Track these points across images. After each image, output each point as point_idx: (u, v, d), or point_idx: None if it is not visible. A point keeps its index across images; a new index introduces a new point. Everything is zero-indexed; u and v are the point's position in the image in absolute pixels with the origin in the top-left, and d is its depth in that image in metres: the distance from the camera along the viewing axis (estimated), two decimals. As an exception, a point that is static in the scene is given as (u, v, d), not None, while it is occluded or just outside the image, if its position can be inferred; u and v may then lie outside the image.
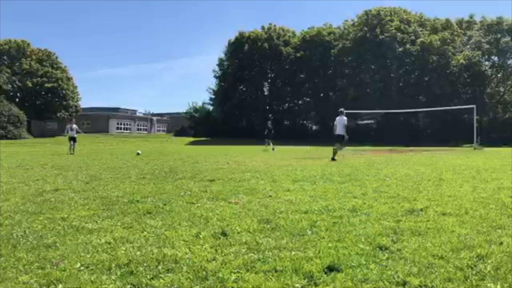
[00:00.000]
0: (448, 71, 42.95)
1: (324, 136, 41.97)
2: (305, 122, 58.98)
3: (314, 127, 57.48)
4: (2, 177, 7.88)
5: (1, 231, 3.57)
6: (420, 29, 46.80)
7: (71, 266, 2.66)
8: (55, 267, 2.64)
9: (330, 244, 3.10)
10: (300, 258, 2.78)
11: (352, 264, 2.68)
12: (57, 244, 3.16)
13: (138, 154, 17.16)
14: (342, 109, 14.08)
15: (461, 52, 44.08)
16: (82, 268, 2.64)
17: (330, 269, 2.59)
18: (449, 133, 37.32)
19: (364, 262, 2.71)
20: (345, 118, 13.70)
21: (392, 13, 48.04)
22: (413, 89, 44.02)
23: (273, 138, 23.53)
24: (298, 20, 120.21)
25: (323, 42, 51.04)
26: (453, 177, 7.62)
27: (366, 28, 46.91)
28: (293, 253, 2.91)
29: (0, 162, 12.32)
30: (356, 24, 49.64)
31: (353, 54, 46.38)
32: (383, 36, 44.64)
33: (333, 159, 13.03)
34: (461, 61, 42.53)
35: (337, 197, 5.30)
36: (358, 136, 30.48)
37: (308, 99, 55.72)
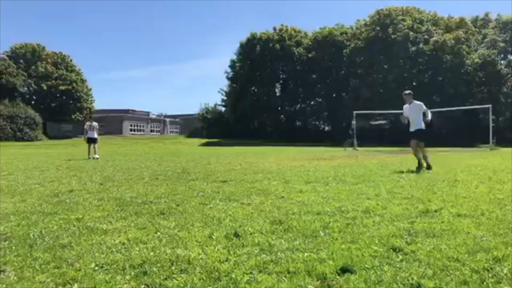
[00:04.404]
0: (462, 71, 42.42)
1: (336, 137, 41.83)
2: (317, 122, 58.74)
3: (326, 128, 57.21)
4: (19, 178, 8.01)
5: (18, 231, 3.62)
6: (434, 28, 46.33)
7: (86, 266, 2.69)
8: (70, 267, 2.67)
9: (343, 246, 3.09)
10: (313, 260, 2.77)
11: (366, 265, 2.66)
12: (73, 244, 3.20)
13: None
14: (409, 91, 9.83)
15: (476, 51, 43.53)
16: (96, 268, 2.67)
17: (344, 270, 2.58)
18: (464, 133, 36.78)
19: (378, 264, 2.69)
20: (419, 103, 9.54)
21: (405, 12, 47.65)
22: (426, 89, 43.47)
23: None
24: (309, 21, 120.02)
25: (335, 42, 50.83)
26: (468, 178, 7.51)
27: (378, 28, 46.62)
28: (306, 254, 2.90)
29: (17, 164, 12.53)
30: (368, 23, 49.33)
31: (365, 54, 46.10)
32: (395, 36, 44.32)
33: (418, 167, 9.15)
34: (476, 60, 41.99)
35: (350, 198, 5.27)
36: (371, 136, 30.31)
37: (320, 100, 55.53)
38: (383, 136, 38.69)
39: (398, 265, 2.66)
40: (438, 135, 8.70)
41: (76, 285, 2.40)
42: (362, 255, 2.86)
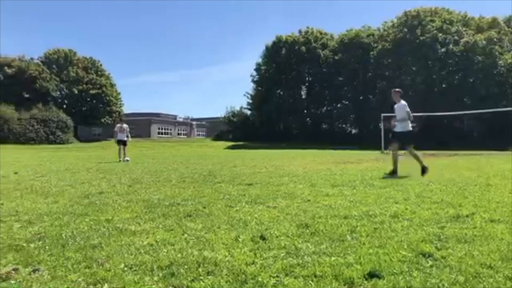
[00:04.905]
0: (495, 72, 41.16)
1: (364, 140, 41.28)
2: (343, 125, 58.17)
3: (353, 131, 56.57)
4: (51, 180, 8.27)
5: (51, 231, 3.74)
6: (464, 28, 45.18)
7: (116, 266, 2.75)
8: (101, 267, 2.74)
9: (371, 250, 3.04)
10: (340, 264, 2.74)
11: (394, 271, 2.61)
12: (102, 245, 3.28)
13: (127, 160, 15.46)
14: (397, 89, 9.50)
15: (510, 51, 42.09)
16: (126, 268, 2.72)
17: (371, 275, 2.54)
18: (496, 136, 35.60)
19: (407, 269, 2.63)
20: (404, 103, 9.09)
21: (433, 13, 46.68)
22: (457, 91, 42.45)
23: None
24: (335, 23, 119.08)
25: (361, 44, 50.31)
26: (502, 182, 7.26)
27: (406, 29, 45.87)
28: (332, 258, 2.87)
29: (49, 166, 12.94)
30: (395, 25, 48.56)
31: (393, 55, 45.42)
32: (424, 37, 43.47)
33: (393, 172, 8.76)
34: (510, 60, 40.62)
35: (377, 202, 5.18)
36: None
37: (346, 102, 55.03)
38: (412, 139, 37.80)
39: (428, 271, 2.60)
40: (409, 137, 8.18)
41: (106, 285, 2.45)
42: (391, 260, 2.81)
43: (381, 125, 28.25)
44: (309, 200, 5.37)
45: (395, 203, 5.10)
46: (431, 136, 38.01)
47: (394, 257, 2.88)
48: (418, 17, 46.06)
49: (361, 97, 52.70)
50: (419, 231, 3.61)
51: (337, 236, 3.48)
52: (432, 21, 45.23)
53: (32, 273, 2.65)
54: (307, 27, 55.66)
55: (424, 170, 8.59)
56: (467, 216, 4.25)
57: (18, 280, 2.52)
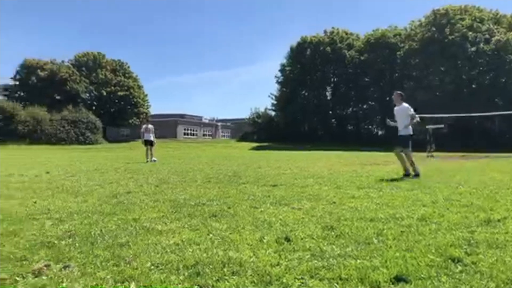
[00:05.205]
0: (528, 71, 39.71)
1: (390, 141, 40.60)
2: (370, 127, 57.36)
3: (380, 132, 55.72)
4: (81, 180, 8.50)
5: (81, 229, 3.84)
6: (496, 26, 43.80)
7: (142, 265, 2.80)
8: (128, 265, 2.79)
9: (397, 254, 2.99)
10: (366, 267, 2.71)
11: (422, 275, 2.56)
12: (130, 243, 3.34)
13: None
14: (398, 91, 9.49)
15: (544, 49, 40.57)
16: (152, 267, 2.77)
17: (398, 279, 2.49)
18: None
19: (435, 274, 2.57)
20: (406, 106, 9.00)
21: (463, 11, 45.44)
22: (488, 91, 41.18)
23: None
24: (361, 24, 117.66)
25: (388, 44, 49.52)
26: (536, 186, 7.00)
27: (434, 28, 44.83)
28: (358, 261, 2.84)
29: (79, 166, 13.29)
30: (423, 24, 47.54)
31: (420, 55, 44.46)
32: (453, 36, 42.37)
33: (406, 174, 8.82)
34: (544, 59, 39.14)
35: (405, 205, 5.09)
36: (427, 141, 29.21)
37: (373, 103, 54.22)
38: (441, 141, 37.01)
39: (457, 277, 2.54)
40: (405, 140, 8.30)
41: (133, 283, 2.50)
42: (418, 264, 2.75)
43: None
44: (334, 202, 5.32)
45: (422, 206, 4.99)
46: (461, 138, 37.10)
47: (421, 261, 2.82)
48: (447, 16, 44.95)
49: (387, 98, 51.73)
50: (448, 235, 3.52)
51: (363, 239, 3.44)
52: (461, 19, 44.06)
53: (63, 269, 2.73)
54: (332, 28, 55.23)
55: (406, 174, 8.79)
56: (498, 220, 4.12)
57: (49, 276, 2.61)
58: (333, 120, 56.56)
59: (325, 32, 55.22)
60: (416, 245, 3.23)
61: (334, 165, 13.11)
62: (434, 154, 21.20)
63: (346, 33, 54.78)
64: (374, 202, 5.35)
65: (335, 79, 56.20)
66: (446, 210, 4.73)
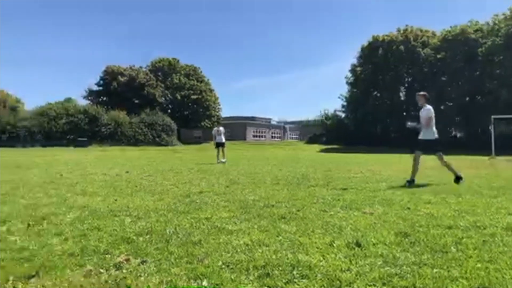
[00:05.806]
0: None
1: (470, 144, 37.94)
2: (448, 128, 54.00)
3: (458, 134, 52.31)
4: (157, 179, 8.96)
5: (157, 227, 4.05)
6: None
7: (214, 263, 2.88)
8: (200, 263, 2.89)
9: (479, 265, 2.78)
10: (443, 277, 2.56)
11: (508, 289, 2.36)
12: (202, 242, 3.46)
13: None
14: (422, 92, 8.84)
15: None
16: (223, 266, 2.84)
17: (481, 292, 2.32)
18: None
19: (524, 289, 2.36)
20: (428, 107, 8.28)
21: (559, 0, 41.15)
22: None
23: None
24: (437, 20, 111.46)
25: (467, 41, 46.20)
26: None
27: (521, 21, 41.08)
28: (434, 270, 2.68)
29: (156, 166, 14.03)
30: (508, 17, 43.78)
31: (505, 52, 40.92)
32: (546, 28, 38.54)
33: (409, 181, 8.19)
34: None
35: (487, 213, 4.72)
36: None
37: (451, 104, 50.91)
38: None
39: (550, 293, 2.31)
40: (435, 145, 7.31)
41: (205, 281, 2.58)
42: (503, 277, 2.54)
43: (492, 129, 25.68)
44: (408, 208, 5.09)
45: (508, 214, 4.61)
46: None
47: (507, 273, 2.60)
48: (538, 7, 41.10)
49: (467, 98, 48.48)
50: (539, 247, 3.21)
51: (439, 247, 3.25)
52: (556, 9, 40.06)
53: (140, 264, 2.90)
54: (406, 25, 52.81)
55: (411, 182, 8.11)
56: None
57: (129, 270, 2.78)
58: (407, 121, 54.10)
59: (398, 30, 52.98)
60: (500, 256, 2.99)
61: (409, 169, 12.49)
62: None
63: (421, 31, 52.08)
64: (452, 208, 5.03)
65: (409, 79, 53.67)
66: (537, 219, 4.31)
